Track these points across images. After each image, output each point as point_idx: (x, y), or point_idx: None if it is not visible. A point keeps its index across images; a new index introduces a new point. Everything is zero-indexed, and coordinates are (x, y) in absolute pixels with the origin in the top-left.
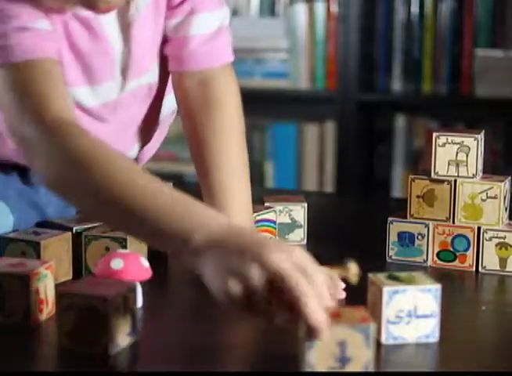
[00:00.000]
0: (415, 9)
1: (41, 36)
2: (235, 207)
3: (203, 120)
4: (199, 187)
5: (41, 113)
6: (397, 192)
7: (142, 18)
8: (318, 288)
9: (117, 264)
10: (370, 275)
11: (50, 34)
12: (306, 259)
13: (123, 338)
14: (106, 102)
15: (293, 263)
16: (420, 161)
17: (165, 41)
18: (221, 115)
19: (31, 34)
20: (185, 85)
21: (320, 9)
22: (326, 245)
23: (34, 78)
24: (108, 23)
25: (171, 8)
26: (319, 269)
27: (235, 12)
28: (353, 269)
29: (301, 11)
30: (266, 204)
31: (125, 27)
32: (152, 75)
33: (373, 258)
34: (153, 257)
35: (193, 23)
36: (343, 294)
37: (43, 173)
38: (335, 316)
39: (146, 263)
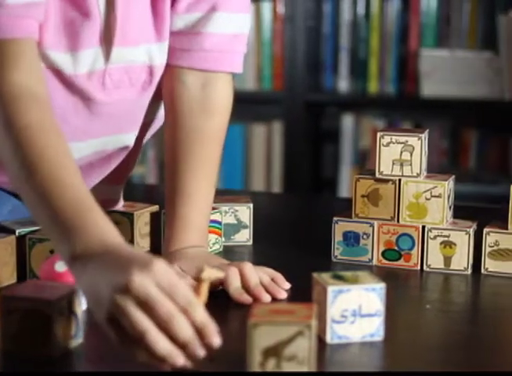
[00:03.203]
0: (361, 9)
1: (21, 12)
2: (193, 209)
3: (191, 121)
4: None
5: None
6: (345, 192)
7: None
8: (181, 303)
9: (61, 267)
10: (315, 275)
11: (31, 7)
12: (168, 275)
13: (67, 341)
14: (91, 70)
15: (156, 282)
16: (367, 161)
17: (175, 34)
18: (212, 122)
19: (7, 12)
20: (185, 81)
21: (266, 9)
22: (272, 245)
23: (5, 54)
24: None
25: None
26: (183, 283)
27: None
28: (208, 275)
29: None
30: None
31: None
32: (149, 56)
33: (319, 257)
34: None
35: (212, 21)
36: (284, 294)
37: None
38: (284, 313)
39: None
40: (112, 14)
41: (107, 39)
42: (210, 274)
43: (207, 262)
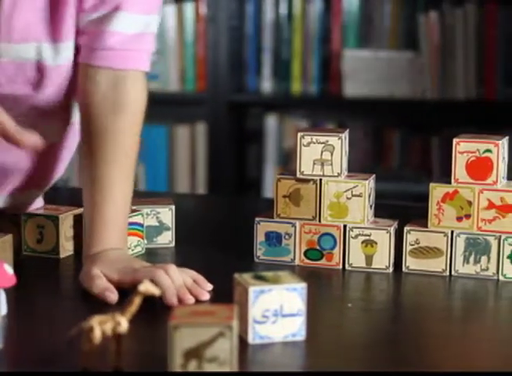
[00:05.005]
0: (283, 9)
1: None
2: (111, 205)
3: (103, 119)
4: None
5: None
6: (269, 192)
7: None
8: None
9: None
10: (236, 275)
11: None
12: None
13: None
14: None
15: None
16: (291, 161)
17: (81, 32)
18: (123, 121)
19: None
20: (95, 80)
21: (189, 10)
22: (195, 247)
23: None
24: None
25: None
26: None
27: None
28: (145, 288)
29: (169, 12)
30: (133, 207)
31: None
32: (38, 54)
33: (242, 258)
34: (17, 265)
35: (115, 20)
36: (206, 296)
37: None
38: (205, 314)
39: (10, 270)
40: None
41: None
42: (147, 288)
43: (129, 265)
